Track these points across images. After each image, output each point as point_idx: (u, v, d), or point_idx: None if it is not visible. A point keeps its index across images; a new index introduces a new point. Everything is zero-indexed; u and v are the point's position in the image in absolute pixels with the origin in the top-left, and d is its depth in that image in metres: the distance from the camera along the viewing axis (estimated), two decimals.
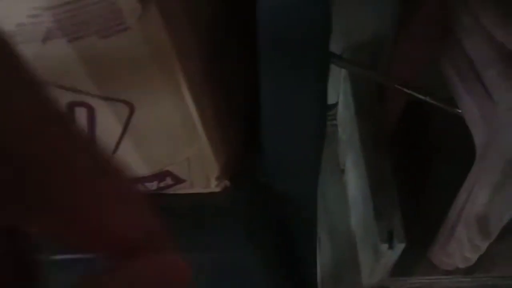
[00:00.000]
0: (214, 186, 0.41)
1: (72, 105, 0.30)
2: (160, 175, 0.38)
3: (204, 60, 0.34)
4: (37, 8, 0.24)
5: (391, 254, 0.73)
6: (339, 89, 0.95)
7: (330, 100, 1.01)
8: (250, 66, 0.34)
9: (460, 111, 0.58)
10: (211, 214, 0.42)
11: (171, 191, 0.41)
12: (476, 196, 0.60)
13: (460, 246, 0.71)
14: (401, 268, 0.80)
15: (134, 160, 0.36)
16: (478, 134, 0.54)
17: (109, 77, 0.29)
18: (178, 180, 0.39)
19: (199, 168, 0.38)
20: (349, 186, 0.99)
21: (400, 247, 0.71)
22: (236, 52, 0.41)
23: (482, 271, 0.81)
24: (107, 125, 0.32)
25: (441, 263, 0.79)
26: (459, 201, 0.65)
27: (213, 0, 0.36)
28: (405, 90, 0.72)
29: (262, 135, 0.38)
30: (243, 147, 0.43)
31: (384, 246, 0.72)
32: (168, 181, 0.39)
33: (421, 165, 0.83)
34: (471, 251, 0.70)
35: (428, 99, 0.74)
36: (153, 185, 0.39)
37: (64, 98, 0.30)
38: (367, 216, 0.80)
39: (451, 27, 0.50)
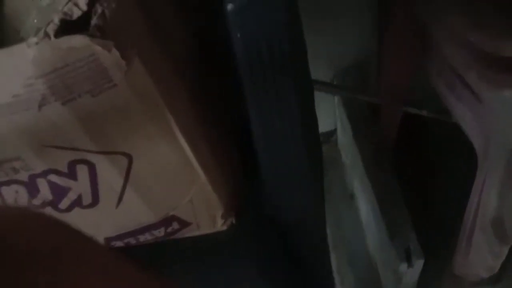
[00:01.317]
0: (220, 225, 0.41)
1: (73, 164, 0.32)
2: (167, 221, 0.38)
3: (191, 100, 0.35)
4: (31, 77, 0.26)
5: (411, 272, 0.72)
6: (335, 115, 0.96)
7: (329, 126, 1.02)
8: (239, 99, 0.36)
9: (454, 120, 0.59)
10: (221, 253, 0.42)
11: (179, 235, 0.42)
12: (486, 199, 0.60)
13: (480, 254, 0.70)
14: (426, 285, 0.78)
15: (140, 208, 0.36)
16: (475, 137, 0.55)
17: (105, 132, 0.31)
18: (184, 224, 0.39)
19: (203, 208, 0.39)
20: (360, 210, 0.99)
21: (419, 263, 0.70)
22: (222, 87, 0.43)
23: (509, 278, 0.78)
24: (109, 178, 0.34)
25: (465, 275, 0.77)
26: (471, 207, 0.65)
27: (189, 39, 0.38)
28: (398, 106, 0.73)
29: (258, 166, 0.39)
30: (244, 181, 0.44)
31: (404, 265, 0.71)
32: (175, 225, 0.39)
33: (427, 176, 0.83)
34: (492, 258, 0.69)
35: (422, 112, 0.75)
36: (160, 232, 0.40)
37: (64, 158, 0.31)
38: (382, 237, 0.79)
39: (428, 38, 0.52)
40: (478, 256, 0.70)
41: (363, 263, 0.96)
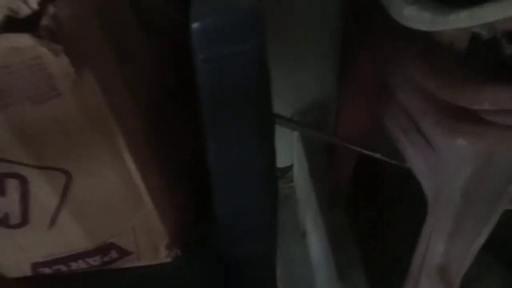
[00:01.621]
0: (164, 256, 0.38)
1: (2, 177, 0.28)
2: (104, 248, 0.35)
3: (146, 124, 0.33)
4: None
5: None
6: (293, 151, 0.97)
7: (286, 162, 1.02)
8: (198, 129, 0.34)
9: (407, 164, 0.60)
10: (162, 285, 0.39)
11: (117, 265, 0.38)
12: (433, 247, 0.61)
13: None
14: None
15: (74, 233, 0.33)
16: (426, 185, 0.55)
17: (43, 145, 0.28)
18: (124, 253, 0.36)
19: (146, 238, 0.36)
20: (311, 249, 0.97)
21: None
22: (182, 116, 0.41)
23: None
24: (43, 196, 0.30)
25: None
26: (419, 254, 0.65)
27: (155, 64, 0.36)
28: (354, 148, 0.74)
29: (212, 198, 0.37)
30: (194, 213, 0.42)
31: None
32: (113, 254, 0.36)
33: (379, 220, 0.84)
34: None
35: (376, 155, 0.77)
36: (96, 260, 0.36)
37: None
38: (332, 278, 0.78)
39: (386, 83, 0.53)
40: None
41: None
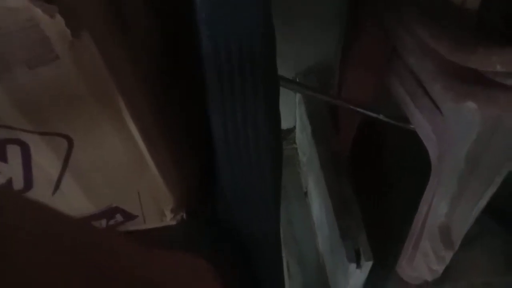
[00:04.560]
0: (169, 219, 0.38)
1: (3, 143, 0.28)
2: (109, 212, 0.35)
3: (149, 90, 0.32)
4: None
5: (359, 273, 0.73)
6: (295, 113, 0.96)
7: (289, 124, 1.01)
8: (202, 96, 0.33)
9: (412, 126, 0.59)
10: (169, 248, 0.39)
11: (123, 228, 0.38)
12: (436, 208, 0.61)
13: (426, 258, 0.72)
14: (372, 286, 0.79)
15: (78, 198, 0.33)
16: (431, 148, 0.55)
17: (42, 111, 0.27)
18: (129, 216, 0.36)
19: (151, 202, 0.36)
20: (313, 209, 0.99)
21: (367, 265, 0.71)
22: (187, 83, 0.40)
23: (451, 281, 0.81)
24: (45, 162, 0.30)
25: (410, 278, 0.79)
26: (421, 214, 0.66)
27: (153, 31, 0.35)
28: (357, 110, 0.73)
29: (216, 166, 0.37)
30: (199, 179, 0.41)
31: (352, 266, 0.71)
32: (118, 218, 0.36)
33: (382, 181, 0.84)
34: (437, 263, 0.71)
35: (380, 117, 0.76)
36: (102, 223, 0.36)
37: None
38: (333, 237, 0.79)
39: (394, 46, 0.51)
40: (424, 261, 0.72)
41: (312, 261, 0.96)
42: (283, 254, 0.95)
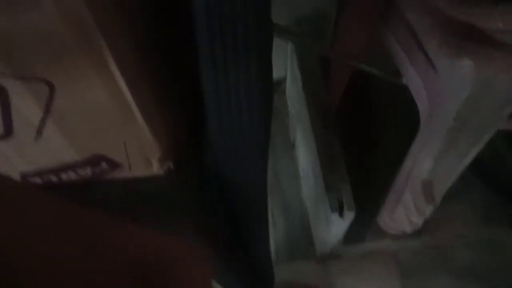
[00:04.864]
0: (156, 169, 0.38)
1: None
2: (93, 160, 0.34)
3: (137, 40, 0.30)
4: None
5: (341, 223, 0.75)
6: (287, 63, 0.94)
7: (279, 73, 0.99)
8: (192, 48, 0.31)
9: (404, 81, 0.58)
10: (155, 199, 0.39)
11: (109, 176, 0.38)
12: (421, 163, 0.62)
13: (407, 211, 0.74)
14: (352, 236, 0.82)
15: (61, 146, 0.32)
16: (421, 104, 0.55)
17: (22, 55, 0.25)
18: (115, 165, 0.36)
19: (137, 151, 0.36)
20: (299, 160, 1.00)
21: (350, 215, 0.73)
22: (177, 36, 0.38)
23: (429, 233, 0.85)
24: (25, 108, 0.29)
25: (389, 228, 0.81)
26: (406, 168, 0.67)
27: None
28: (349, 62, 0.72)
29: (205, 117, 0.36)
30: (187, 130, 0.41)
31: (335, 215, 0.73)
32: (104, 166, 0.36)
33: (368, 135, 0.85)
34: (417, 216, 0.73)
35: (373, 70, 0.75)
36: (87, 172, 0.36)
37: None
38: (318, 188, 0.81)
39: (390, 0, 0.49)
40: (404, 213, 0.74)
41: (296, 210, 0.98)
42: (269, 203, 0.98)
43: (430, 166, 0.60)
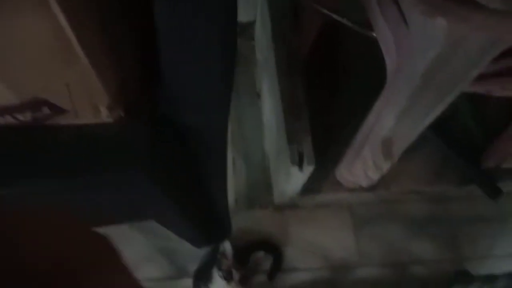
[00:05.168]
0: (105, 116, 0.35)
1: None
2: (33, 104, 0.31)
3: None
4: None
5: (300, 175, 0.75)
6: (257, 6, 0.89)
7: (249, 17, 0.94)
8: None
9: (375, 34, 0.56)
10: (105, 147, 0.37)
11: (53, 122, 0.35)
12: (383, 120, 0.62)
13: (365, 166, 0.75)
14: (310, 187, 0.83)
15: None
16: (390, 59, 0.53)
17: None
18: (57, 110, 0.33)
19: (83, 96, 0.32)
20: (264, 110, 0.98)
21: (309, 169, 0.73)
22: None
23: (383, 187, 0.87)
24: None
25: (347, 182, 0.83)
26: (367, 124, 0.67)
27: None
28: (322, 10, 0.69)
29: (162, 63, 0.32)
30: (140, 76, 0.37)
31: (295, 168, 0.73)
32: (45, 111, 0.32)
33: (334, 88, 0.83)
34: (374, 171, 0.74)
35: (344, 20, 0.72)
36: (26, 116, 0.32)
37: None
38: (280, 139, 0.80)
39: None
40: (362, 168, 0.75)
41: (257, 160, 0.98)
42: (230, 151, 0.96)
43: (392, 123, 0.60)
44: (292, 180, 0.79)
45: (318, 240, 0.94)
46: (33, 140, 0.34)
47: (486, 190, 0.82)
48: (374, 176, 0.75)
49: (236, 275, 0.79)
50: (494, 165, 0.82)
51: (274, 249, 0.91)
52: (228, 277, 0.79)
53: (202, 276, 0.83)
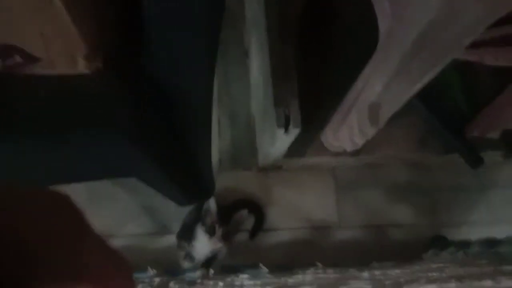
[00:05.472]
0: (83, 67, 0.33)
1: None
2: (4, 51, 0.29)
3: None
4: None
5: (286, 138, 0.75)
6: None
7: None
8: None
9: None
10: (81, 101, 0.35)
11: (26, 71, 0.33)
12: (372, 86, 0.61)
13: (350, 131, 0.75)
14: (294, 150, 0.83)
15: None
16: (383, 23, 0.52)
17: None
18: (30, 58, 0.31)
19: (59, 45, 0.30)
20: (251, 70, 0.96)
21: (295, 131, 0.73)
22: None
23: (366, 152, 0.88)
24: None
25: (331, 147, 0.83)
26: (356, 89, 0.66)
27: None
28: None
29: (145, 17, 0.30)
30: (122, 31, 0.35)
31: (280, 131, 0.73)
32: (17, 59, 0.30)
33: (324, 51, 0.81)
34: (360, 137, 0.74)
35: None
36: None
37: None
38: (267, 101, 0.79)
39: None
40: (348, 133, 0.75)
41: (243, 121, 0.97)
42: (215, 111, 0.95)
43: (380, 89, 0.59)
44: (277, 142, 0.78)
45: (300, 202, 0.95)
46: (6, 91, 0.33)
47: (468, 159, 0.83)
48: (359, 141, 0.75)
49: (219, 230, 0.80)
50: (478, 135, 0.82)
51: (256, 208, 0.92)
52: (211, 232, 0.80)
53: (186, 233, 0.84)
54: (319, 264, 0.80)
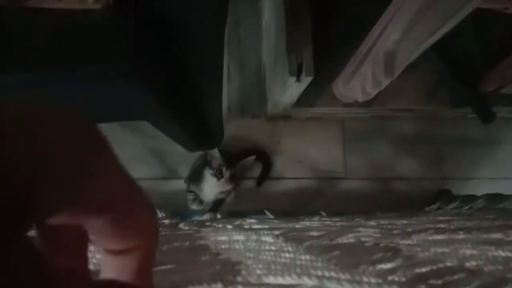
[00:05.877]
0: (92, 2, 0.32)
1: None
2: None
3: None
4: None
5: (297, 87, 0.74)
6: None
7: None
8: None
9: None
10: (89, 38, 0.34)
11: (35, 4, 0.32)
12: (389, 33, 0.59)
13: (363, 81, 0.73)
14: (304, 99, 0.82)
15: None
16: None
17: None
18: None
19: None
20: (264, 14, 0.93)
21: (307, 80, 0.71)
22: None
23: (377, 104, 0.86)
24: None
25: (343, 97, 0.82)
26: (371, 37, 0.63)
27: None
28: None
29: None
30: None
31: (292, 79, 0.71)
32: None
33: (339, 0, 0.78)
34: (373, 87, 0.73)
35: None
36: None
37: None
38: (279, 48, 0.77)
39: None
40: (360, 83, 0.73)
41: (253, 68, 0.96)
42: (226, 57, 0.93)
43: (397, 37, 0.57)
44: (287, 91, 0.77)
45: (307, 151, 0.95)
46: (12, 24, 0.32)
47: (480, 114, 0.82)
48: (372, 91, 0.74)
49: (226, 173, 0.81)
50: (493, 90, 0.80)
51: (264, 156, 0.92)
52: (218, 175, 0.81)
53: (194, 176, 0.86)
54: (323, 213, 0.81)
